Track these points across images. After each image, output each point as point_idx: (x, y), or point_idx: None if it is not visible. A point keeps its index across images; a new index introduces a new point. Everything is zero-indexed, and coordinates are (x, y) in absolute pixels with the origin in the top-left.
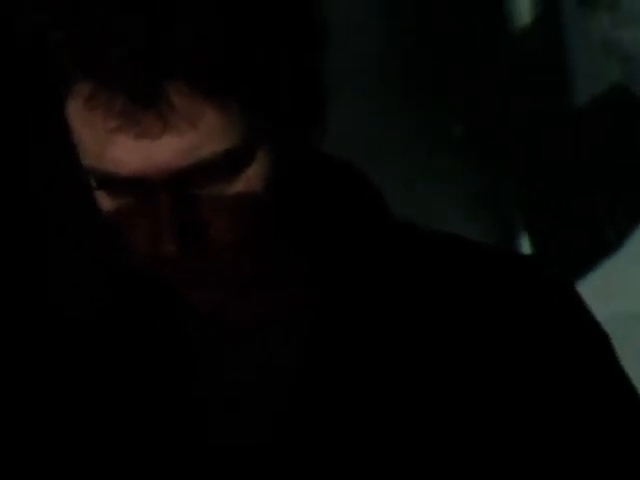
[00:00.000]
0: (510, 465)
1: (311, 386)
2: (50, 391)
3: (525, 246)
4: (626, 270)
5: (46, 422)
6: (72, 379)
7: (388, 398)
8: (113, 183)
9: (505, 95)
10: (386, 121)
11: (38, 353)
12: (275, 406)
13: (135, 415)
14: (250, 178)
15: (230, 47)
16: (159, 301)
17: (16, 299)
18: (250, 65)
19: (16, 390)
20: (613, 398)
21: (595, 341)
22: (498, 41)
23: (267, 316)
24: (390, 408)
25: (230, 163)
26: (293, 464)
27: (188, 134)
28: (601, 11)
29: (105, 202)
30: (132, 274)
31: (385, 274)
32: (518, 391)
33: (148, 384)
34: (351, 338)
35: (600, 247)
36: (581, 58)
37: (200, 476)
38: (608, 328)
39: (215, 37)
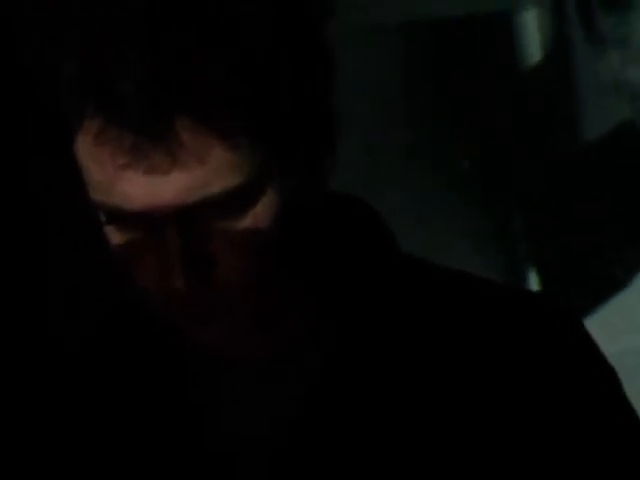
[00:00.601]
0: None
1: (317, 423)
2: (46, 410)
3: (533, 282)
4: (633, 306)
5: (40, 453)
6: (68, 394)
7: (394, 437)
8: (122, 218)
9: (515, 132)
10: (394, 156)
11: (37, 388)
12: (280, 443)
13: (134, 449)
14: (258, 214)
15: (240, 84)
16: (164, 336)
17: (21, 333)
18: (260, 102)
19: (13, 414)
20: (620, 433)
21: (603, 377)
22: (508, 78)
23: (273, 352)
24: (396, 448)
25: (239, 199)
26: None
27: (196, 170)
28: (610, 49)
29: (114, 237)
30: (137, 309)
31: (393, 310)
32: (526, 427)
33: (148, 418)
34: (359, 374)
35: (608, 283)
36: (590, 96)
37: None
38: (616, 363)
39: (225, 74)
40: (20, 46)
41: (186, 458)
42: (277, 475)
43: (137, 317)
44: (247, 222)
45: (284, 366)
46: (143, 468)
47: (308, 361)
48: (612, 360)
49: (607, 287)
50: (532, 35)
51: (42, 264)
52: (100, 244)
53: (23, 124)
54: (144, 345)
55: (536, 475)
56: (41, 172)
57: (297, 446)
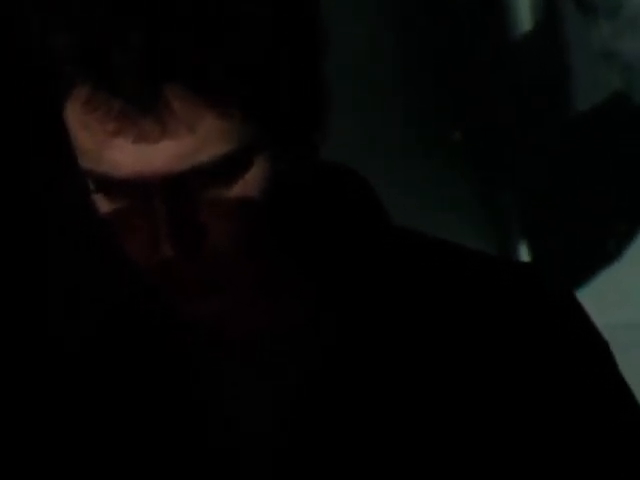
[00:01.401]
0: (511, 472)
1: (317, 408)
2: (48, 409)
3: (524, 254)
4: (626, 279)
5: (43, 443)
6: (69, 393)
7: (390, 409)
8: (111, 186)
9: (504, 102)
10: (385, 127)
11: (36, 365)
12: (276, 422)
13: (133, 431)
14: (248, 183)
15: (230, 52)
16: (157, 310)
17: (14, 302)
18: (249, 70)
19: (14, 411)
20: (613, 406)
21: (595, 349)
22: (498, 48)
23: (267, 326)
24: (392, 420)
25: (228, 168)
26: None
27: (186, 138)
28: (601, 20)
29: (103, 205)
30: (129, 282)
31: (384, 281)
32: (518, 400)
33: (144, 397)
34: (351, 349)
35: (600, 256)
36: (581, 66)
37: None
38: (608, 337)
39: (214, 42)
40: (10, 12)
41: (188, 448)
42: (278, 463)
43: (136, 309)
44: (236, 191)
45: (284, 348)
46: (145, 460)
47: (303, 335)
48: (604, 332)
49: (599, 260)
50: (523, 5)
51: (37, 231)
52: (90, 211)
53: (11, 91)
54: (144, 338)
55: (528, 448)
56: (29, 138)
57: (297, 433)
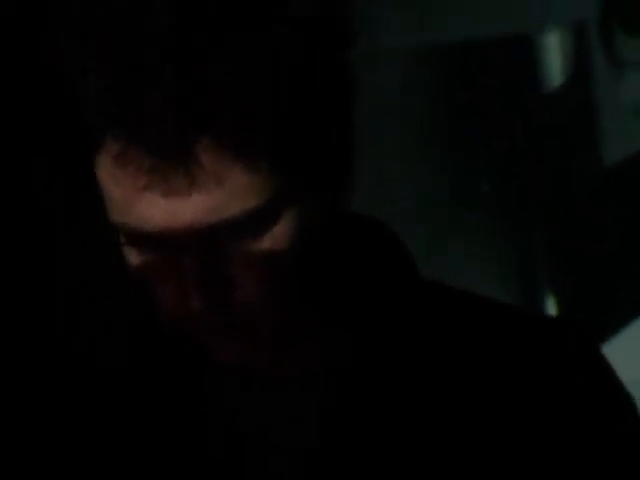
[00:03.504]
0: None
1: (332, 451)
2: (68, 446)
3: (551, 307)
4: None
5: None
6: (94, 434)
7: (413, 457)
8: (141, 239)
9: (535, 155)
10: (416, 179)
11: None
12: (301, 461)
13: (157, 468)
14: (277, 236)
15: (260, 107)
16: (185, 357)
17: (43, 350)
18: (279, 126)
19: (32, 437)
20: (636, 461)
21: (619, 403)
22: (530, 100)
23: (294, 373)
24: (414, 467)
25: (257, 221)
26: None
27: (215, 192)
28: (631, 72)
29: (133, 257)
30: (157, 330)
31: (413, 333)
32: (542, 454)
33: (170, 437)
34: (378, 397)
35: (628, 309)
36: (611, 119)
37: None
38: (635, 392)
39: (245, 97)
40: (53, 65)
41: (198, 468)
42: None
43: (158, 337)
44: (265, 244)
45: (299, 390)
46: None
47: (324, 387)
48: (630, 388)
49: (627, 313)
50: (554, 57)
51: (68, 281)
52: (120, 264)
53: (46, 145)
54: (168, 365)
55: None
56: (62, 190)
57: (313, 475)
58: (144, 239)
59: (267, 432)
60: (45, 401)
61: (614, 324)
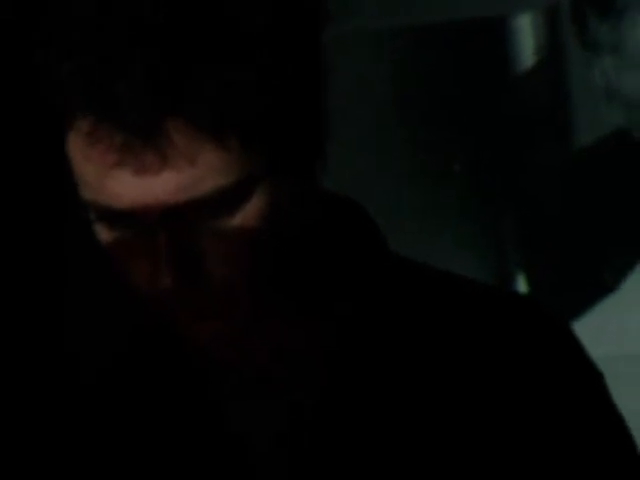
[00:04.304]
0: None
1: (316, 433)
2: (62, 435)
3: (522, 285)
4: (622, 312)
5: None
6: (80, 415)
7: (392, 443)
8: (112, 216)
9: (505, 136)
10: (385, 158)
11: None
12: (281, 447)
13: (141, 457)
14: (248, 214)
15: (231, 85)
16: (162, 339)
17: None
18: (250, 103)
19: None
20: (606, 438)
21: (590, 381)
22: (501, 82)
23: (270, 359)
24: (397, 446)
25: (228, 199)
26: None
27: (187, 170)
28: (604, 55)
29: (104, 234)
30: (131, 310)
31: (381, 311)
32: (511, 430)
33: (152, 423)
34: (358, 382)
35: (597, 288)
36: (583, 101)
37: None
38: (604, 368)
39: (216, 76)
40: (17, 44)
41: (192, 467)
42: None
43: (133, 318)
44: (237, 221)
45: (282, 374)
46: (145, 470)
47: (307, 369)
48: (600, 365)
49: (596, 292)
50: (526, 40)
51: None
52: (91, 242)
53: (14, 121)
54: (147, 349)
55: (520, 476)
56: (31, 169)
57: (296, 460)
58: (115, 217)
59: (242, 414)
60: (24, 381)
61: (584, 302)
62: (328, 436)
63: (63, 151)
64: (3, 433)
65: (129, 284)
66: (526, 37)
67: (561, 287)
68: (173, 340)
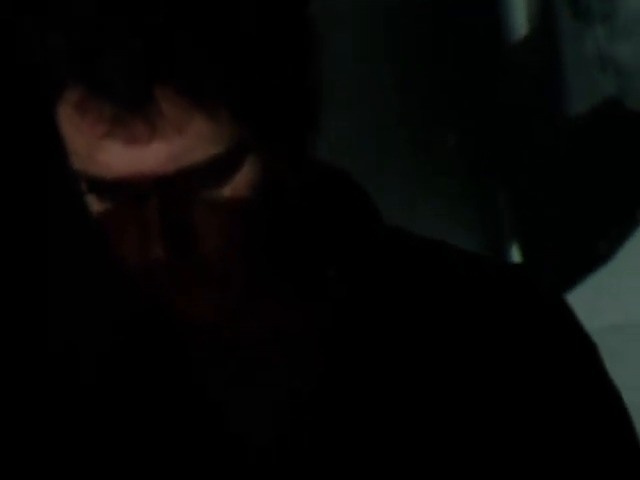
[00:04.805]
0: (497, 469)
1: (309, 406)
2: (50, 415)
3: (515, 256)
4: (616, 282)
5: (45, 450)
6: (68, 392)
7: (392, 418)
8: (102, 187)
9: (499, 106)
10: (380, 128)
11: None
12: (270, 424)
13: (133, 432)
14: (239, 184)
15: (220, 54)
16: (153, 313)
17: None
18: (239, 72)
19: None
20: (600, 408)
21: (583, 351)
22: (493, 53)
23: (266, 335)
24: (394, 419)
25: (218, 169)
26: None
27: (176, 140)
28: (596, 25)
29: (95, 205)
30: (123, 282)
31: (376, 282)
32: (505, 400)
33: (143, 396)
34: (350, 360)
35: (591, 259)
36: (576, 71)
37: None
38: (598, 339)
39: (205, 44)
40: (5, 11)
41: (185, 446)
42: (275, 467)
43: (124, 292)
44: (227, 192)
45: (278, 357)
46: (141, 458)
47: (303, 353)
48: (593, 335)
49: (590, 262)
50: (518, 9)
51: (36, 258)
52: (82, 212)
53: (4, 92)
54: (144, 337)
55: (513, 448)
56: (22, 141)
57: (290, 436)
58: (106, 187)
59: (239, 397)
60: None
61: (578, 273)
62: (327, 423)
63: (54, 122)
64: None
65: (120, 256)
66: (518, 7)
67: (555, 258)
68: (164, 313)
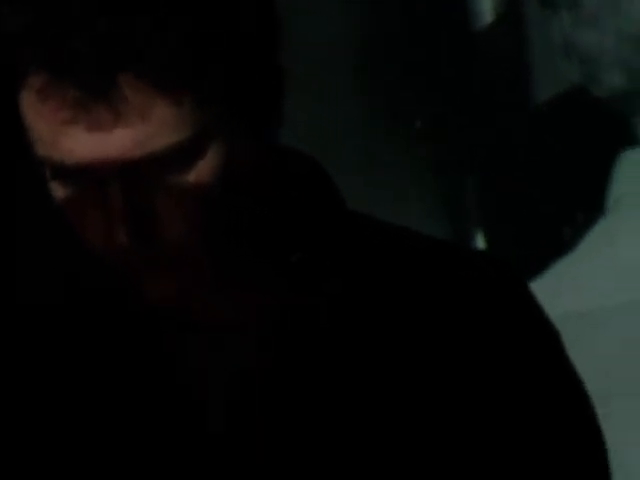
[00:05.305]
0: (457, 455)
1: (270, 391)
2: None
3: (480, 242)
4: (580, 269)
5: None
6: (32, 372)
7: (347, 394)
8: (66, 173)
9: (465, 93)
10: (346, 113)
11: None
12: (237, 408)
13: (96, 410)
14: (202, 170)
15: (183, 40)
16: (119, 293)
17: None
18: (203, 59)
19: None
20: (562, 395)
21: (546, 338)
22: (459, 39)
23: (224, 314)
24: (350, 403)
25: (182, 155)
26: (255, 468)
27: (139, 126)
28: (562, 12)
29: (59, 192)
30: (87, 267)
31: (338, 267)
32: (467, 387)
33: (111, 375)
34: (311, 335)
35: (556, 246)
36: (541, 58)
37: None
38: (560, 326)
39: (169, 30)
40: None
41: (151, 427)
42: (233, 445)
43: (98, 292)
44: (191, 178)
45: (237, 337)
46: (112, 440)
47: (261, 324)
48: (556, 323)
49: (555, 249)
50: None
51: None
52: (46, 199)
53: None
54: (110, 318)
55: (471, 431)
56: None
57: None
58: (69, 173)
59: (205, 379)
60: None
61: (542, 260)
62: (275, 401)
63: (17, 108)
64: None
65: (84, 242)
66: None
67: (520, 244)
68: (128, 297)
